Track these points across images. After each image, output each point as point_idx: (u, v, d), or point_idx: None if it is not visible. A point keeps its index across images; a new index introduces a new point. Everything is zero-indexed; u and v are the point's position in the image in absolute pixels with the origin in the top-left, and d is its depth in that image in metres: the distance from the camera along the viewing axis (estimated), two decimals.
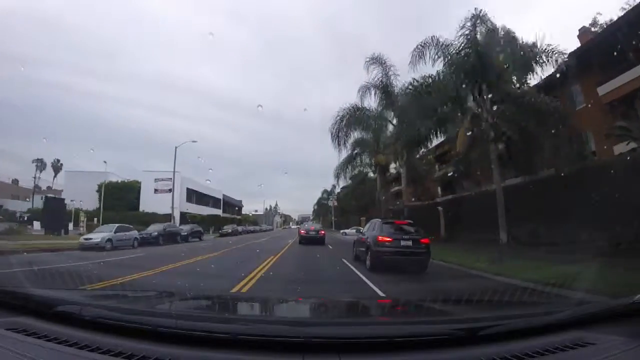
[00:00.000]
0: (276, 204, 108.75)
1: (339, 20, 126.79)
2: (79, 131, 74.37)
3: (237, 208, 67.53)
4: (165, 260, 10.83)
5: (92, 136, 67.13)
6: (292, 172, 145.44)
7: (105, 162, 35.79)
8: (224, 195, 55.27)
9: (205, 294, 4.07)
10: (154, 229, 21.67)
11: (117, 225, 18.17)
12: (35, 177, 59.15)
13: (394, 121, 21.19)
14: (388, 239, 8.97)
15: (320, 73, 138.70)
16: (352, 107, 21.75)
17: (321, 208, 74.67)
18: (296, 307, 2.53)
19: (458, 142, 13.58)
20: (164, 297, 2.45)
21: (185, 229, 26.02)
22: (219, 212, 51.73)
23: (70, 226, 25.88)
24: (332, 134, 21.99)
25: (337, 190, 63.72)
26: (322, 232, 21.47)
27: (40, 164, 60.96)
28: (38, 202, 40.42)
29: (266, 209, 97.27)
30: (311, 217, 76.00)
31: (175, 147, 30.61)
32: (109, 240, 16.91)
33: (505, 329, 1.37)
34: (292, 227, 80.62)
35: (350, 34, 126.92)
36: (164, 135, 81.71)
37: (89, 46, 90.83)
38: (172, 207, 30.59)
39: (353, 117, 21.65)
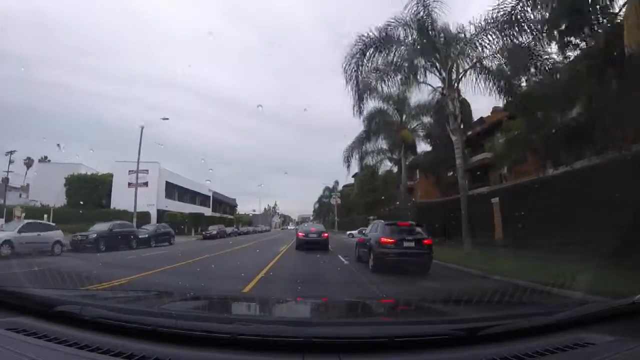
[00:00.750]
0: (275, 204, 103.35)
1: (340, 20, 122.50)
2: (77, 130, 70.64)
3: (231, 207, 61.67)
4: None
5: (90, 135, 63.13)
6: (292, 172, 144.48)
7: (59, 145, 30.05)
8: (214, 192, 48.95)
9: (205, 293, 3.90)
10: (98, 228, 15.93)
11: (24, 221, 12.42)
12: (8, 172, 54.28)
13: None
14: (391, 241, 8.98)
15: (320, 73, 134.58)
16: (380, 34, 12.87)
17: (322, 207, 68.14)
18: (296, 307, 2.48)
19: (628, 35, 7.36)
20: (164, 297, 2.42)
21: (149, 229, 20.04)
22: (207, 210, 45.67)
23: (1, 222, 20.08)
24: (345, 69, 13.67)
25: (340, 188, 58.42)
26: (325, 234, 17.03)
27: (27, 161, 57.95)
28: (14, 199, 36.07)
29: (264, 208, 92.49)
30: (311, 218, 69.24)
31: (141, 127, 24.63)
32: (7, 242, 11.30)
33: (505, 329, 1.35)
34: (289, 227, 73.43)
35: (351, 34, 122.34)
36: (163, 135, 78.43)
37: (88, 45, 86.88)
38: (135, 202, 24.65)
39: (379, 50, 12.98)
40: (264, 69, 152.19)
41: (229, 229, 35.37)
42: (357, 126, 21.84)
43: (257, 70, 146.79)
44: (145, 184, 33.60)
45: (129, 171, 33.74)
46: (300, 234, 16.84)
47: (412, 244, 8.90)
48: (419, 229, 9.68)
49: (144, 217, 31.55)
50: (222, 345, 1.20)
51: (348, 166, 22.91)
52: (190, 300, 2.43)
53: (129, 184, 33.69)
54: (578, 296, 5.65)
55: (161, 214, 32.45)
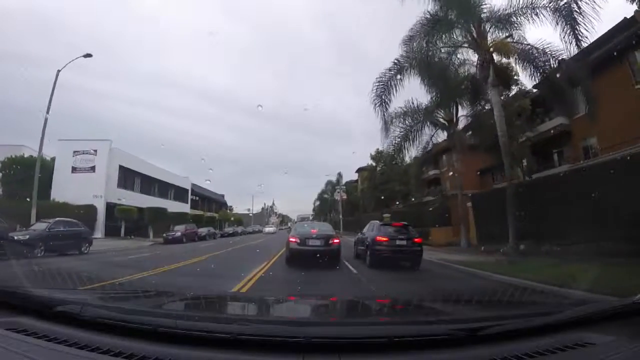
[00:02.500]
0: (273, 203, 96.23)
1: (340, 20, 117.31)
2: (79, 129, 63.41)
3: (219, 204, 53.94)
4: None
5: (91, 134, 55.55)
6: (292, 172, 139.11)
7: None
8: (194, 185, 40.78)
9: (205, 294, 3.68)
10: None
11: None
12: None
13: None
14: (385, 239, 9.71)
15: (320, 74, 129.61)
16: None
17: (324, 205, 59.81)
18: (296, 307, 2.45)
19: None
20: (164, 297, 2.38)
21: (37, 228, 12.01)
22: (185, 207, 37.72)
23: None
24: None
25: (343, 182, 51.16)
26: (336, 239, 10.13)
27: None
28: None
29: (262, 207, 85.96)
30: (311, 217, 59.97)
31: (58, 71, 16.89)
32: None
33: (505, 329, 1.33)
34: (267, 229, 50.38)
35: (351, 34, 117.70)
36: (164, 134, 77.48)
37: (87, 45, 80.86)
38: (35, 186, 16.55)
39: None
40: (264, 69, 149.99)
41: (203, 230, 27.74)
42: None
43: (257, 70, 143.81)
44: (92, 168, 25.90)
45: (74, 152, 25.86)
46: (293, 239, 9.87)
47: (404, 242, 9.75)
48: (410, 229, 10.53)
49: (87, 211, 23.77)
50: (222, 345, 1.19)
51: (383, 109, 13.94)
52: (190, 300, 2.38)
53: (73, 169, 25.80)
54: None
55: (111, 209, 24.73)
